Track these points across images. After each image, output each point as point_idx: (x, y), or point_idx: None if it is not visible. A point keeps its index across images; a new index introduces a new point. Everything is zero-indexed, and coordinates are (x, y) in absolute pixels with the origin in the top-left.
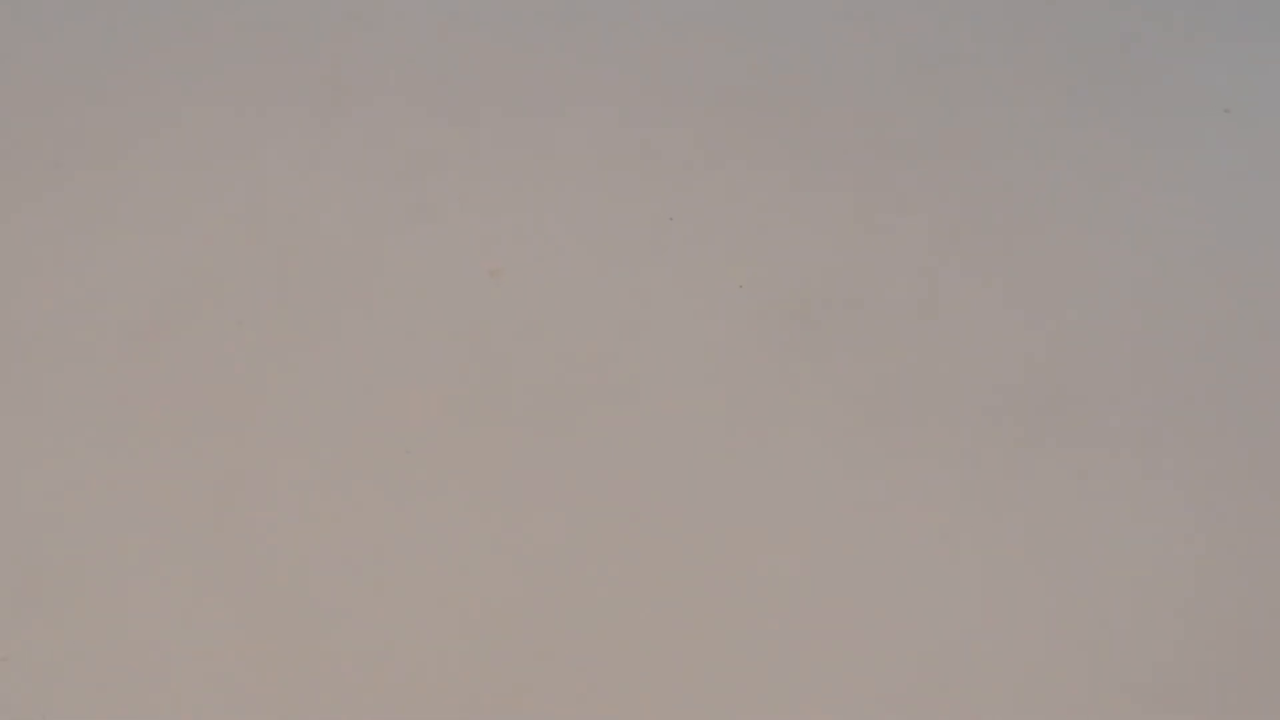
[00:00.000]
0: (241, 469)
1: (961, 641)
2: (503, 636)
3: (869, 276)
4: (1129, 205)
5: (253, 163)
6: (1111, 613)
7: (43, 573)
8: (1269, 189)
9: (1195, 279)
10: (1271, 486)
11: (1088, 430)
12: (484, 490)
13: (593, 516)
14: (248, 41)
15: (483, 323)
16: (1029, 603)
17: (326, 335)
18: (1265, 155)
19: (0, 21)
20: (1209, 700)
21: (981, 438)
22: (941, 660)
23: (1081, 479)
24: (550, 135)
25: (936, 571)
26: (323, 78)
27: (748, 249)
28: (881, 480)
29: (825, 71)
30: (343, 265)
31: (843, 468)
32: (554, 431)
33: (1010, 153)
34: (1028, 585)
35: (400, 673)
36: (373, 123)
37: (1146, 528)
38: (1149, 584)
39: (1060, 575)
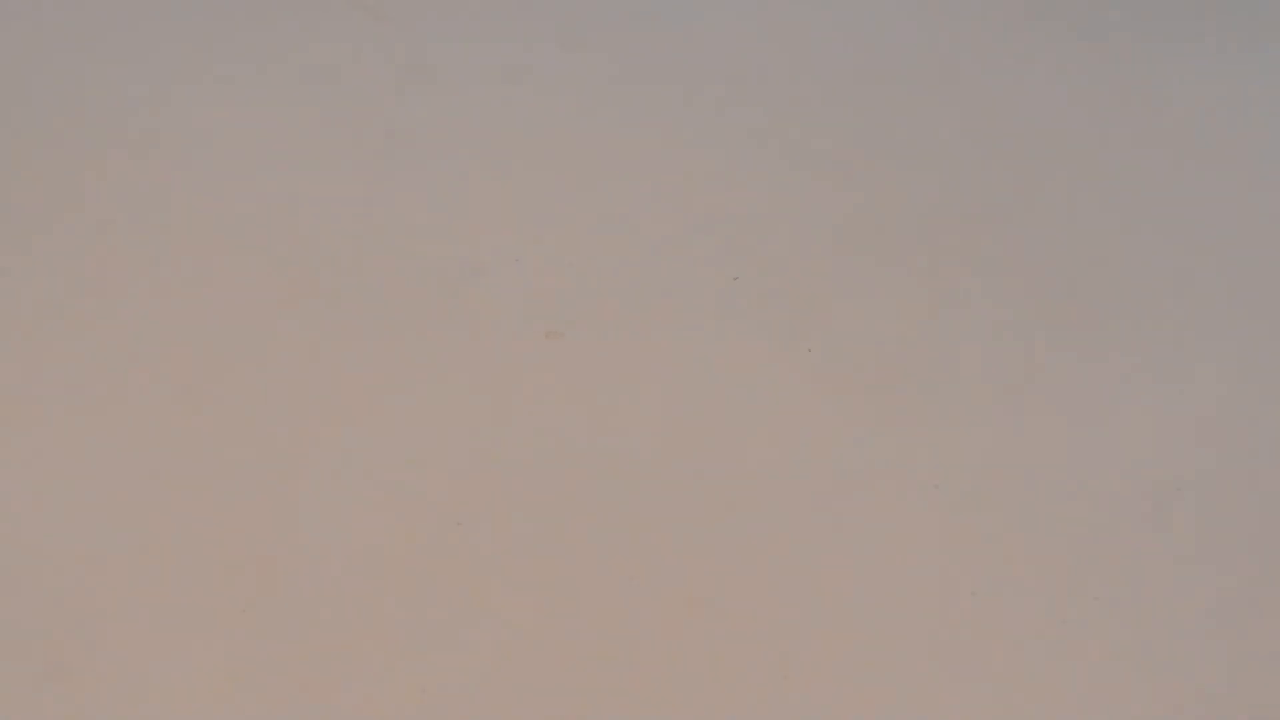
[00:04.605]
0: (284, 539)
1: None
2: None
3: (943, 345)
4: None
5: (306, 218)
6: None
7: (61, 644)
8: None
9: (1234, 317)
10: None
11: (1186, 520)
12: (539, 560)
13: (654, 589)
14: (304, 95)
15: (539, 387)
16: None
17: (379, 398)
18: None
19: (52, 79)
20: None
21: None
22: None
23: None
24: (611, 194)
25: (998, 656)
26: (380, 133)
27: (815, 311)
28: (959, 559)
29: (899, 134)
30: (396, 324)
31: (918, 542)
32: (614, 500)
33: (1070, 210)
34: (1066, 658)
35: None
36: (429, 180)
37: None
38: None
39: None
